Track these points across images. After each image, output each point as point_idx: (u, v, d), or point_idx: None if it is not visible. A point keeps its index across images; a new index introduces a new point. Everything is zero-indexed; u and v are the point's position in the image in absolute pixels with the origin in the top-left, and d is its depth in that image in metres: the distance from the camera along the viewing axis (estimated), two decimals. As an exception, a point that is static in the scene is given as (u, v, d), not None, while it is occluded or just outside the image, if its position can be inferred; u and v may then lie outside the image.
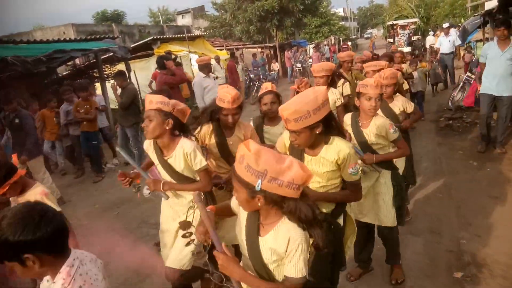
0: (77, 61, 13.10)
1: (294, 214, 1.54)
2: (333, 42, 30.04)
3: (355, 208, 3.01)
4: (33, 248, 1.35)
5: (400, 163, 3.43)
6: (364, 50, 18.89)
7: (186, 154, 2.57)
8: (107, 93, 10.38)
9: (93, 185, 7.08)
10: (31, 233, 1.33)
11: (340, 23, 42.13)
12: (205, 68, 6.63)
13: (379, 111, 3.14)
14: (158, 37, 15.32)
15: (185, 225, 2.12)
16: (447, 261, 3.48)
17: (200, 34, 20.18)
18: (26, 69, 7.49)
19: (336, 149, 2.14)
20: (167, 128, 2.53)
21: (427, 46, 17.79)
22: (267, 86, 3.48)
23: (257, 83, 15.30)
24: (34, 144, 5.83)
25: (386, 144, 2.99)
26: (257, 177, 1.47)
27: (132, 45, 14.90)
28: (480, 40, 12.22)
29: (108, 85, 11.16)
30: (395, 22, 23.86)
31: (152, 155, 2.75)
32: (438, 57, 11.80)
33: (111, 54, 10.81)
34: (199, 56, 11.36)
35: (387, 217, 3.03)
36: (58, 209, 2.45)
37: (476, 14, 12.76)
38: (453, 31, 13.08)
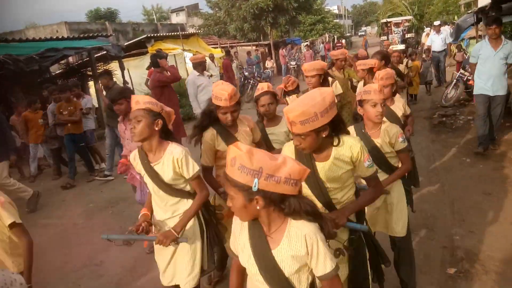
0: (70, 59, 13.02)
1: (299, 211, 1.47)
2: (327, 40, 30.09)
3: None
4: None
5: None
6: (358, 48, 18.82)
7: (176, 160, 2.40)
8: (101, 91, 10.32)
9: (87, 184, 7.05)
10: None
11: (335, 20, 42.22)
12: (199, 66, 6.61)
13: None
14: (152, 35, 15.27)
15: None
16: (441, 257, 3.50)
17: (194, 32, 20.13)
18: (18, 68, 7.43)
19: (347, 146, 2.02)
20: (157, 129, 2.39)
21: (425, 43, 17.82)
22: (263, 86, 3.36)
23: (251, 81, 15.30)
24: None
25: (394, 153, 2.80)
26: (252, 176, 1.38)
27: (125, 43, 14.84)
28: (474, 38, 12.28)
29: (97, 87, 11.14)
30: (389, 19, 23.89)
31: (138, 165, 2.54)
32: (430, 55, 11.81)
33: (105, 52, 10.76)
34: (193, 54, 11.35)
35: (401, 227, 2.84)
36: (15, 220, 2.32)
37: (469, 12, 12.81)
38: (445, 29, 13.14)
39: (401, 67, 7.20)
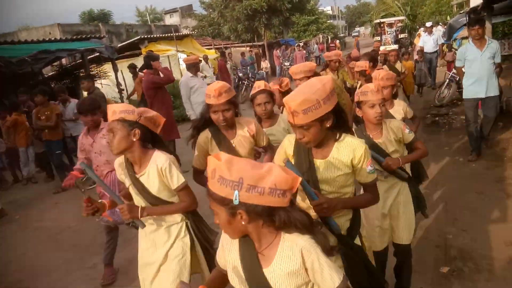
0: (63, 61, 12.96)
1: (290, 225, 1.32)
2: (321, 41, 30.18)
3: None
4: None
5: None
6: (352, 48, 18.85)
7: (160, 170, 2.24)
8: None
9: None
10: None
11: (328, 21, 42.32)
12: (193, 67, 6.58)
13: None
14: (146, 36, 15.23)
15: None
16: (434, 256, 3.52)
17: (188, 33, 20.11)
18: (11, 70, 7.37)
19: (350, 147, 1.88)
20: (134, 139, 2.19)
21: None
22: (259, 84, 3.21)
23: (245, 82, 15.31)
24: None
25: (401, 149, 2.71)
26: (232, 188, 1.24)
27: (119, 45, 14.79)
28: (466, 38, 12.36)
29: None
30: (382, 20, 24.10)
31: (124, 176, 2.37)
32: (423, 57, 11.72)
33: (98, 54, 10.71)
34: (187, 55, 11.32)
35: (408, 234, 2.72)
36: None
37: (461, 12, 12.91)
38: (439, 29, 13.19)
39: (398, 65, 7.26)
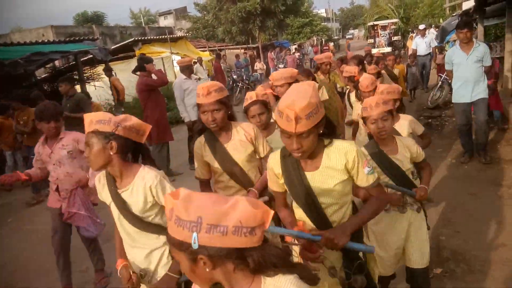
0: (56, 63, 12.90)
1: (266, 265, 1.09)
2: (315, 43, 30.29)
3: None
4: None
5: None
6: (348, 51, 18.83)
7: (149, 188, 2.02)
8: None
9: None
10: None
11: (322, 24, 42.47)
12: (186, 69, 6.58)
13: None
14: (139, 38, 15.19)
15: None
16: (427, 258, 3.54)
17: (183, 35, 20.09)
18: (3, 72, 7.32)
19: (341, 151, 1.77)
20: (112, 153, 1.95)
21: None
22: (251, 95, 2.99)
23: (240, 84, 15.33)
24: None
25: (412, 168, 2.56)
26: (190, 230, 1.03)
27: (112, 47, 14.74)
28: (459, 40, 12.45)
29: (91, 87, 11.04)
30: (375, 22, 24.21)
31: (104, 191, 2.13)
32: (416, 61, 11.58)
33: (91, 56, 10.68)
34: (181, 57, 11.32)
35: (422, 256, 2.53)
36: None
37: (454, 15, 13.03)
38: (431, 32, 13.25)
39: (396, 71, 7.24)
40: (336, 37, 50.63)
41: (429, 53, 11.83)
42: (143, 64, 6.15)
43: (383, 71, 6.27)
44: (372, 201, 1.88)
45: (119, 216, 2.08)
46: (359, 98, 4.28)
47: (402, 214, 2.52)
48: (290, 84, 3.64)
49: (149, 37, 16.96)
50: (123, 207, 2.05)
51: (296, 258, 1.90)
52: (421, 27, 12.84)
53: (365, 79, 3.93)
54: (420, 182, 2.59)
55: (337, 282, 1.88)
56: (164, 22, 48.16)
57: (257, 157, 2.66)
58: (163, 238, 2.11)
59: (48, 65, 11.99)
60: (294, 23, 33.97)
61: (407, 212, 2.52)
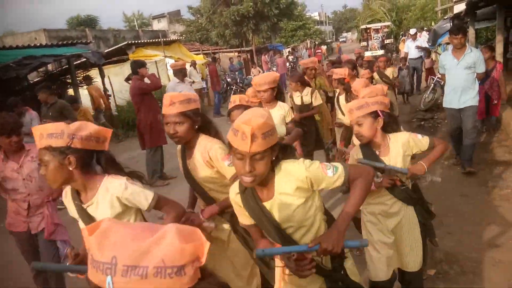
0: (49, 67, 12.83)
1: None
2: (309, 46, 30.42)
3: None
4: None
5: None
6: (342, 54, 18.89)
7: (116, 199, 1.88)
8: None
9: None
10: None
11: (316, 27, 42.70)
12: (179, 73, 6.58)
13: None
14: (133, 41, 15.16)
15: None
16: (420, 259, 3.55)
17: (176, 38, 20.07)
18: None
19: (290, 175, 1.66)
20: (71, 168, 1.77)
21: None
22: (235, 99, 2.95)
23: (234, 87, 15.36)
24: None
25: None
26: (104, 273, 0.83)
27: (106, 50, 14.69)
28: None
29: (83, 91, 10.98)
30: (368, 25, 24.41)
31: (70, 207, 1.99)
32: (407, 64, 11.49)
33: (85, 59, 10.65)
34: (175, 61, 11.32)
35: (415, 260, 2.49)
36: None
37: (445, 18, 13.16)
38: (423, 35, 13.34)
39: (389, 71, 7.21)
40: (329, 40, 50.97)
41: (421, 56, 11.90)
42: (137, 68, 6.14)
43: (375, 75, 6.29)
44: (357, 186, 1.72)
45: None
46: (350, 101, 4.29)
47: (394, 211, 2.46)
48: (273, 88, 3.65)
49: (142, 41, 16.92)
50: (90, 222, 1.83)
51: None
52: (412, 31, 12.87)
53: (358, 83, 3.95)
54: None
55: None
56: (157, 25, 48.06)
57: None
58: None
59: (40, 69, 11.93)
60: (287, 26, 34.11)
61: (399, 207, 2.45)
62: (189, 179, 2.41)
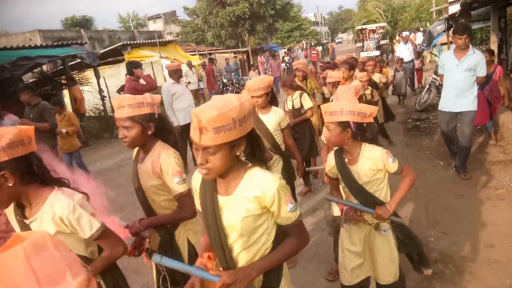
0: (44, 67, 12.79)
1: None
2: (305, 47, 30.47)
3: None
4: None
5: None
6: (335, 55, 18.90)
7: (59, 220, 1.65)
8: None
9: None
10: None
11: (311, 28, 42.79)
12: (175, 74, 6.55)
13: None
14: (128, 42, 15.13)
15: None
16: (416, 259, 3.56)
17: (172, 39, 20.05)
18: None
19: (259, 183, 1.53)
20: (10, 184, 1.55)
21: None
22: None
23: (230, 88, 15.35)
24: None
25: (382, 177, 2.38)
26: None
27: (101, 51, 14.65)
28: (445, 43, 12.65)
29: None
30: (364, 26, 24.44)
31: (12, 221, 1.78)
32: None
33: (80, 60, 10.61)
34: (170, 62, 11.29)
35: (386, 273, 2.42)
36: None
37: (440, 19, 13.22)
38: (419, 35, 13.39)
39: (376, 76, 6.93)
40: (325, 41, 51.07)
41: (412, 60, 11.86)
42: (132, 69, 6.13)
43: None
44: (291, 241, 1.63)
45: None
46: None
47: (359, 229, 2.43)
48: (268, 93, 3.54)
49: (138, 41, 16.88)
50: None
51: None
52: (405, 33, 12.84)
53: (339, 89, 3.88)
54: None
55: None
56: (153, 26, 47.96)
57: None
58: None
59: (35, 70, 11.89)
60: (283, 27, 34.17)
61: (366, 229, 2.42)
62: (135, 183, 2.25)
